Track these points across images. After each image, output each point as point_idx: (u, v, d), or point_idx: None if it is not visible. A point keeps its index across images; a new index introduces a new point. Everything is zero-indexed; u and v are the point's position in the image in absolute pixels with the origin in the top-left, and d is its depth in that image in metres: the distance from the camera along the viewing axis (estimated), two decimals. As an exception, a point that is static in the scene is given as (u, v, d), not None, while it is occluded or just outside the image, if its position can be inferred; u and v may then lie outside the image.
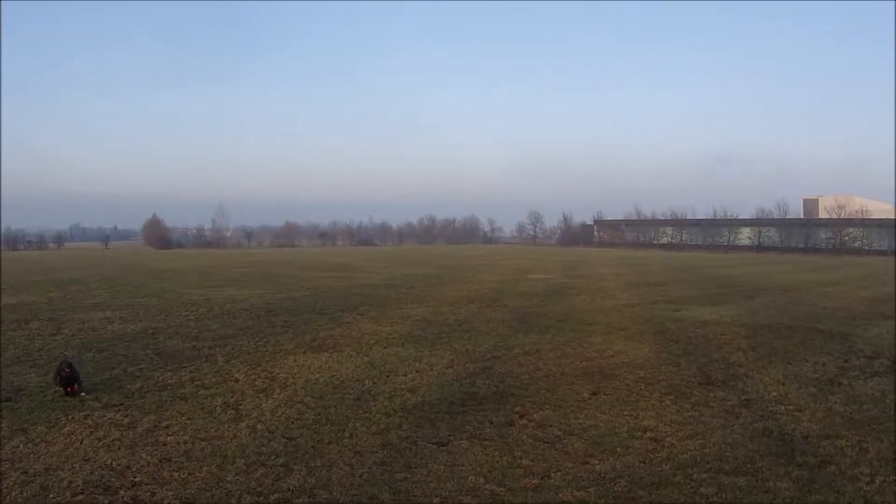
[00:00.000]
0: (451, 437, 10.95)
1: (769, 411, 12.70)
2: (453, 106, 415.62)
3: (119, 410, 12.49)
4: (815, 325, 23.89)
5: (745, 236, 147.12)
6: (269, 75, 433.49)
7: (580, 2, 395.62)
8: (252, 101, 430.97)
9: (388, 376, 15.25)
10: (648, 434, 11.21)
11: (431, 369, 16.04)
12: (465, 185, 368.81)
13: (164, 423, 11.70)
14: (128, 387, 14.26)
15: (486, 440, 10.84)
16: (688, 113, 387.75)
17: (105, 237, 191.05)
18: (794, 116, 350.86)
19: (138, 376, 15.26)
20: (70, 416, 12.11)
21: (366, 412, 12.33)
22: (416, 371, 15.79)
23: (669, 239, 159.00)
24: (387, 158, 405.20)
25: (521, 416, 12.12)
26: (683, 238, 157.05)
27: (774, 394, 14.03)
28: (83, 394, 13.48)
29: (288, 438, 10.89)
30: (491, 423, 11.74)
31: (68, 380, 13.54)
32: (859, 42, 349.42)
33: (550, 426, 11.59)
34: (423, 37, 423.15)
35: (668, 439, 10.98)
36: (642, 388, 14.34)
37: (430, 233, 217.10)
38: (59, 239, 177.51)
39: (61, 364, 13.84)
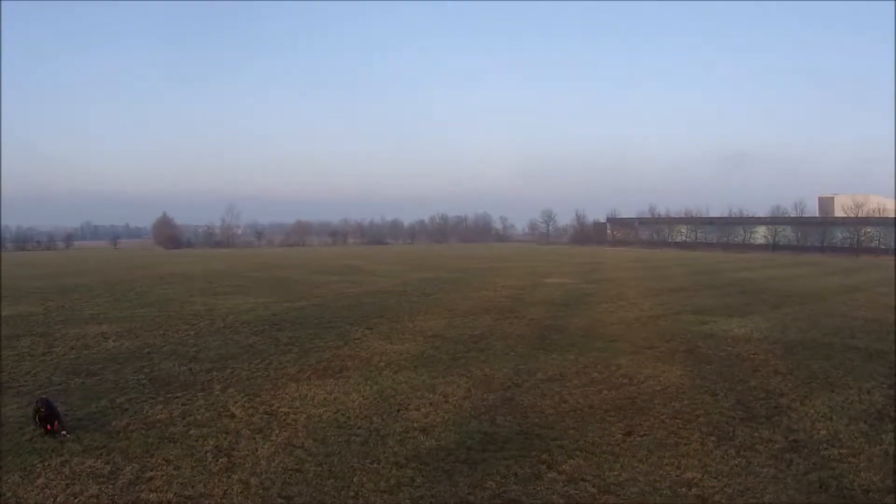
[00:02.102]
0: (471, 497, 9.61)
1: (822, 457, 11.34)
2: (466, 105, 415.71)
3: (100, 455, 11.27)
4: (850, 342, 22.45)
5: (760, 235, 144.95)
6: (280, 74, 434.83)
7: (595, 1, 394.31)
8: (265, 100, 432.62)
9: (398, 411, 13.91)
10: (694, 491, 9.86)
11: (447, 401, 14.68)
12: (477, 182, 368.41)
13: (147, 475, 10.45)
14: (113, 423, 13.05)
15: (511, 501, 9.49)
16: (702, 112, 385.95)
17: (115, 236, 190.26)
18: (809, 115, 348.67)
19: (126, 409, 14.04)
20: (46, 463, 10.94)
21: (374, 461, 10.99)
22: (430, 404, 14.43)
23: (684, 237, 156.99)
24: (399, 157, 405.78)
25: (549, 467, 10.74)
26: (698, 237, 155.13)
27: (824, 433, 12.66)
28: (63, 433, 12.30)
29: (285, 498, 9.59)
30: (515, 475, 10.38)
31: (46, 419, 12.41)
32: (874, 42, 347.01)
33: (583, 480, 10.24)
34: (435, 36, 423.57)
35: (716, 497, 9.65)
36: (680, 425, 12.95)
37: (443, 231, 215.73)
38: (69, 238, 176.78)
39: (38, 404, 12.77)
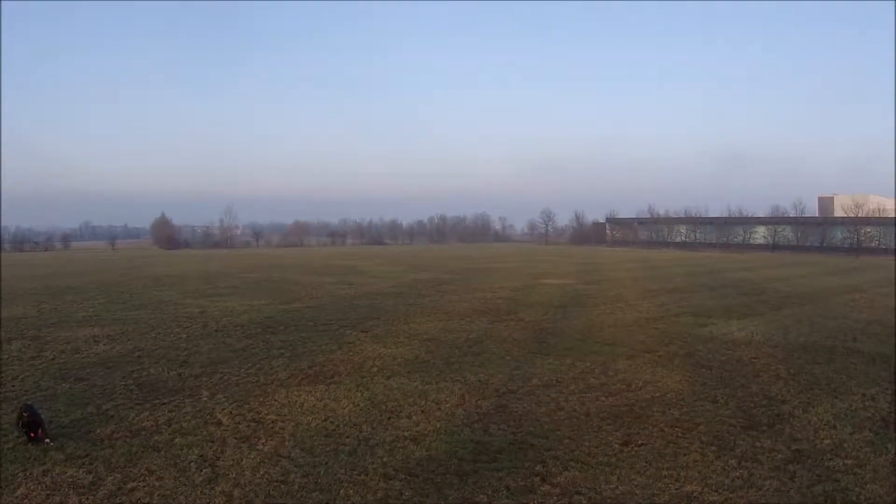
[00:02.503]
0: (461, 512, 9.25)
1: (826, 468, 10.97)
2: (466, 105, 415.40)
3: (83, 465, 10.98)
4: (853, 345, 22.08)
5: (760, 235, 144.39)
6: (280, 75, 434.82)
7: (595, 1, 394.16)
8: (264, 101, 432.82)
9: (389, 418, 13.54)
10: (694, 505, 9.49)
11: (439, 408, 14.31)
12: (476, 182, 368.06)
13: (129, 485, 10.13)
14: (98, 431, 12.73)
15: (502, 517, 9.13)
16: (701, 112, 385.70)
17: (113, 237, 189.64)
18: (809, 115, 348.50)
19: (112, 416, 13.69)
20: (27, 472, 10.66)
21: (361, 473, 10.61)
22: (422, 411, 14.06)
23: (683, 238, 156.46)
24: (398, 157, 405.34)
25: (543, 480, 10.36)
26: (697, 237, 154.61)
27: (827, 442, 12.29)
28: (47, 440, 12.03)
29: (268, 513, 9.22)
30: (508, 489, 10.00)
31: (30, 425, 12.13)
32: (874, 42, 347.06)
33: (578, 493, 9.86)
34: (435, 36, 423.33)
35: (717, 512, 9.28)
36: (679, 434, 12.57)
37: (441, 231, 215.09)
38: (66, 239, 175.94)
39: (21, 409, 12.51)
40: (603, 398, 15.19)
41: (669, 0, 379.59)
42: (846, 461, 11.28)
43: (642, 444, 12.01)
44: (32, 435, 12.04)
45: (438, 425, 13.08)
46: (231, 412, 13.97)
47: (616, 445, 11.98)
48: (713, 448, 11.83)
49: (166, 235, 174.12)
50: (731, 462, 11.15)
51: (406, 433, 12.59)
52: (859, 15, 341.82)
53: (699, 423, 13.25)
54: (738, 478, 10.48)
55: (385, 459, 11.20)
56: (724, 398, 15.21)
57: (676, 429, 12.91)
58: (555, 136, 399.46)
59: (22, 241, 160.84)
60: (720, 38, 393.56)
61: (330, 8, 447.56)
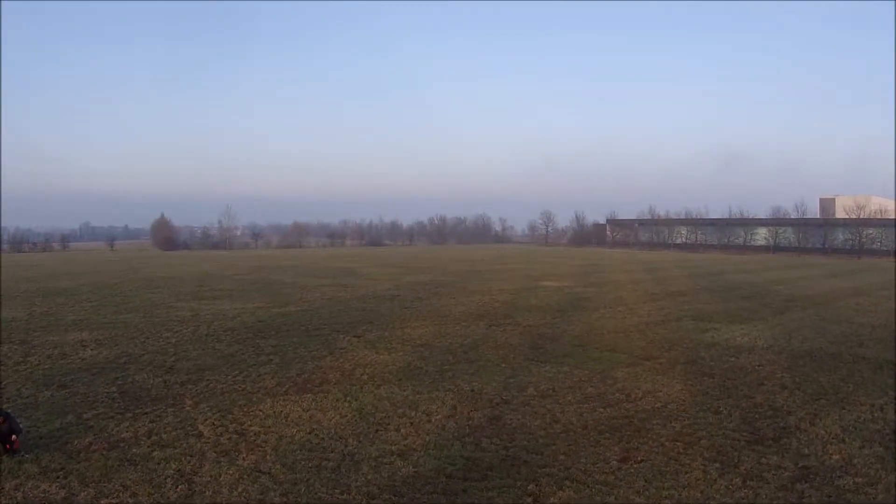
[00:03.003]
0: (447, 537, 8.68)
1: (836, 487, 10.40)
2: (466, 105, 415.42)
3: (57, 479, 10.49)
4: (858, 351, 21.54)
5: (761, 236, 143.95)
6: (280, 74, 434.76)
7: (594, 1, 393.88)
8: (265, 100, 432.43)
9: (376, 431, 12.96)
10: (696, 529, 8.92)
11: (429, 420, 13.73)
12: (476, 183, 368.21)
13: (101, 501, 9.71)
14: (76, 442, 12.23)
15: (491, 542, 8.57)
16: (702, 112, 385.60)
17: (112, 237, 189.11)
18: (809, 115, 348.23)
19: (91, 426, 13.17)
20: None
21: (344, 491, 10.04)
22: (411, 423, 13.48)
23: (684, 239, 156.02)
24: (399, 157, 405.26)
25: (536, 500, 9.77)
26: (698, 238, 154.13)
27: (836, 458, 11.71)
28: (12, 444, 11.52)
29: (242, 536, 8.67)
30: (498, 511, 9.44)
31: (5, 434, 11.59)
32: (874, 42, 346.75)
33: (573, 516, 9.29)
34: (436, 36, 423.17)
35: (721, 536, 8.71)
36: (681, 449, 12.00)
37: (441, 232, 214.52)
38: (65, 240, 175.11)
39: None
40: (601, 409, 14.60)
41: (669, 0, 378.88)
42: (856, 479, 10.72)
43: (642, 461, 11.43)
44: (8, 446, 11.54)
45: (427, 439, 12.50)
46: (213, 423, 13.41)
47: (614, 462, 11.39)
48: (716, 465, 11.25)
49: (165, 236, 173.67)
50: (735, 481, 10.57)
51: (393, 447, 12.01)
52: (859, 15, 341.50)
53: (701, 437, 12.68)
54: (742, 498, 9.91)
55: (369, 476, 10.63)
56: (727, 409, 14.64)
57: (678, 443, 12.33)
58: (555, 136, 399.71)
59: (20, 242, 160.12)
60: (720, 38, 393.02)
61: (330, 8, 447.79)
